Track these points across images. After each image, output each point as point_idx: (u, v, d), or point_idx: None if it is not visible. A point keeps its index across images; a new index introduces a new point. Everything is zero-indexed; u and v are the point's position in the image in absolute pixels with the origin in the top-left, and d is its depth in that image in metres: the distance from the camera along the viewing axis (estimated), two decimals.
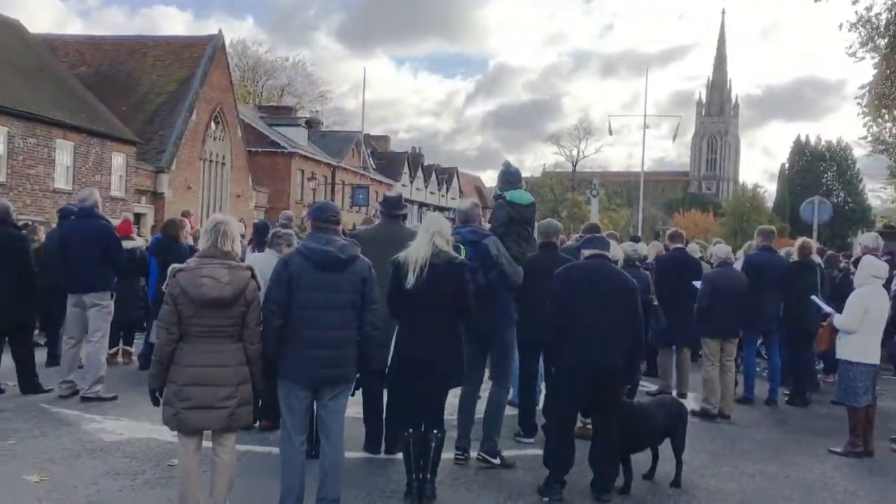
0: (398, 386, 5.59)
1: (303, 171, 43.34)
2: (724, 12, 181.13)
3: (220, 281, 4.45)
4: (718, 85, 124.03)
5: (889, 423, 8.24)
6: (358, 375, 5.03)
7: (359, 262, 4.85)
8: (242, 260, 5.13)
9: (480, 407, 6.43)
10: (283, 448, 4.83)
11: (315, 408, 4.99)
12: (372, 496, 5.45)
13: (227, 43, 37.20)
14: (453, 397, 5.94)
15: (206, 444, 4.64)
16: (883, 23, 23.78)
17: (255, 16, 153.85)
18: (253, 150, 39.51)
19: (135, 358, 10.32)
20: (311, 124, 49.90)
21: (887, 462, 7.14)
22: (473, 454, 6.27)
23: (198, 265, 4.54)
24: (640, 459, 6.02)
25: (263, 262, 6.15)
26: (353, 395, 5.13)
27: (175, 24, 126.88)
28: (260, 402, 5.10)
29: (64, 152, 25.28)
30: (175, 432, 4.62)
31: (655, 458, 6.15)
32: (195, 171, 32.79)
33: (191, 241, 9.86)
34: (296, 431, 4.78)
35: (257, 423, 6.45)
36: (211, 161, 34.58)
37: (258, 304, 4.64)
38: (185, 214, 13.32)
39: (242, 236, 9.02)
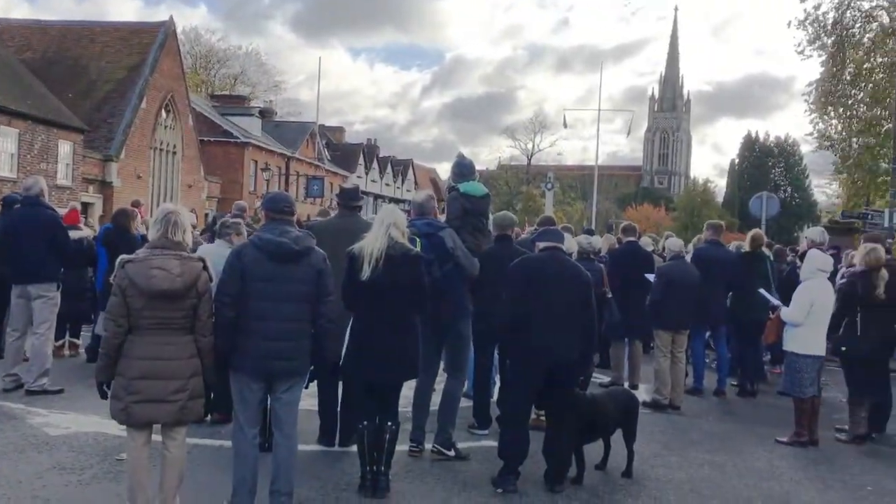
0: (353, 378, 5.56)
1: (256, 162, 42.83)
2: (676, 9, 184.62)
3: (171, 272, 4.38)
4: (671, 81, 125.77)
5: (833, 413, 8.46)
6: (312, 368, 4.99)
7: (314, 253, 4.81)
8: (193, 251, 5.04)
9: (436, 399, 6.44)
10: (236, 441, 4.78)
11: (268, 400, 4.95)
12: (326, 489, 5.42)
13: (178, 30, 36.51)
14: (408, 389, 5.94)
15: (156, 437, 4.56)
16: (830, 21, 24.37)
17: (208, 3, 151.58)
18: (205, 139, 38.92)
19: (82, 350, 10.10)
20: (264, 114, 49.31)
21: (831, 451, 7.33)
22: (428, 446, 6.27)
23: (148, 256, 4.45)
24: (592, 450, 6.09)
25: (214, 253, 6.04)
26: (307, 387, 5.09)
27: (124, 10, 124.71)
28: (212, 395, 5.03)
29: (8, 139, 24.60)
30: (123, 426, 4.53)
31: (607, 448, 6.22)
32: (145, 160, 32.17)
33: (143, 231, 9.67)
34: (248, 424, 4.73)
35: (209, 417, 6.37)
36: (161, 150, 33.96)
37: (210, 295, 4.57)
38: (136, 204, 13.03)
39: (193, 227, 8.90)
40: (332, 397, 6.33)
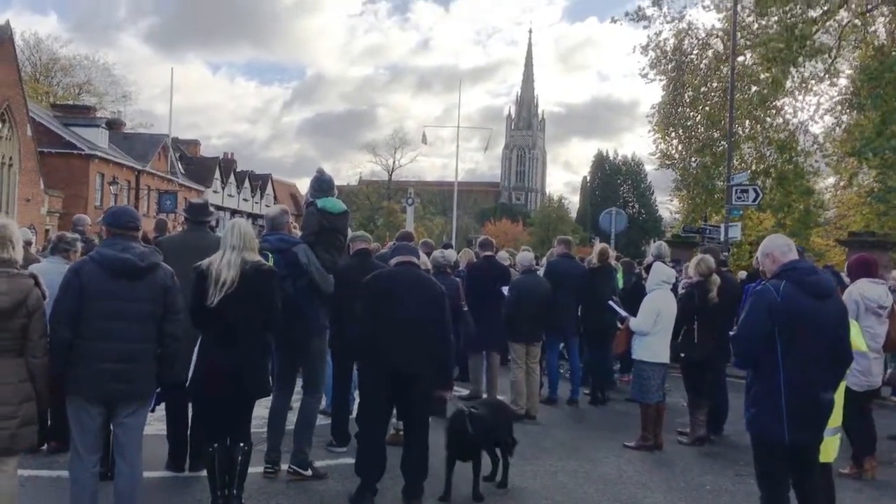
0: (201, 398, 5.35)
1: (103, 175, 40.64)
2: (531, 32, 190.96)
3: None
4: (527, 101, 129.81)
5: (676, 417, 8.90)
6: (159, 390, 4.77)
7: (160, 270, 4.61)
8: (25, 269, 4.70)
9: (293, 418, 6.30)
10: (74, 470, 4.50)
11: (111, 426, 4.68)
12: None
13: (16, 36, 34.24)
14: (262, 409, 5.78)
15: None
16: (670, 48, 25.83)
17: (58, 12, 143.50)
18: (46, 150, 36.56)
19: None
20: (112, 125, 46.76)
21: (674, 453, 7.71)
22: (284, 467, 6.12)
23: None
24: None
25: (49, 270, 5.60)
26: (153, 410, 4.86)
27: None
28: (48, 422, 4.72)
29: None
30: None
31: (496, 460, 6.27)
32: None
33: None
34: (87, 452, 4.47)
35: (45, 446, 5.97)
36: None
37: (42, 313, 4.28)
38: None
39: (30, 243, 8.32)
40: (182, 420, 6.06)
